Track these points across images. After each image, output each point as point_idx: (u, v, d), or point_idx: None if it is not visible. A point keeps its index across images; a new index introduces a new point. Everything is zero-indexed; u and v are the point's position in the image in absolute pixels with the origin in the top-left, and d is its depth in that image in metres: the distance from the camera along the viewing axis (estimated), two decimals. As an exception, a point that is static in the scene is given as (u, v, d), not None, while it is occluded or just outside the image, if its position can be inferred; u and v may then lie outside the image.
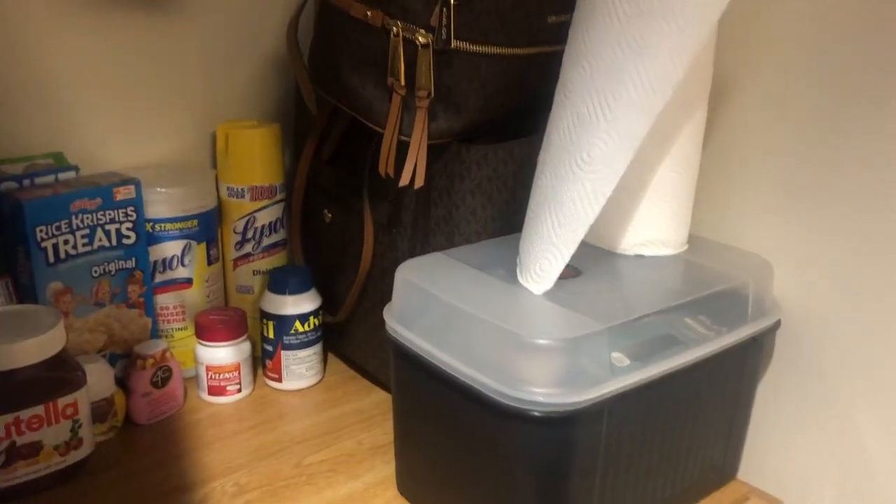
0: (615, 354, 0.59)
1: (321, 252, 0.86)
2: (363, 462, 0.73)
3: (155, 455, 0.73)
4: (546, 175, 0.62)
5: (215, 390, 0.81)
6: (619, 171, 0.58)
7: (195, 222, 0.82)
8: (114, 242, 0.75)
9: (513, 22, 0.64)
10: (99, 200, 0.74)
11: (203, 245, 0.83)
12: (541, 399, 0.54)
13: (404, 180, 0.64)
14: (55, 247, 0.71)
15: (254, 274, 0.88)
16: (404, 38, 0.62)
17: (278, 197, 0.87)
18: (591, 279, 0.64)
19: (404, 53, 0.63)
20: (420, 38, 0.62)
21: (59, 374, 0.67)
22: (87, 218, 0.73)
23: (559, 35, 0.64)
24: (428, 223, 0.71)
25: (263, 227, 0.87)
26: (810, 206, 0.67)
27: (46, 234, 0.71)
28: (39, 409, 0.66)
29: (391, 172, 0.65)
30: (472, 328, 0.57)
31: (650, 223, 0.68)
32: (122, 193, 0.75)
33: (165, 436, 0.76)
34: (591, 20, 0.58)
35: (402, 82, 0.63)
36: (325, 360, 0.89)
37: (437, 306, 0.60)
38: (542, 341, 0.54)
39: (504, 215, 0.71)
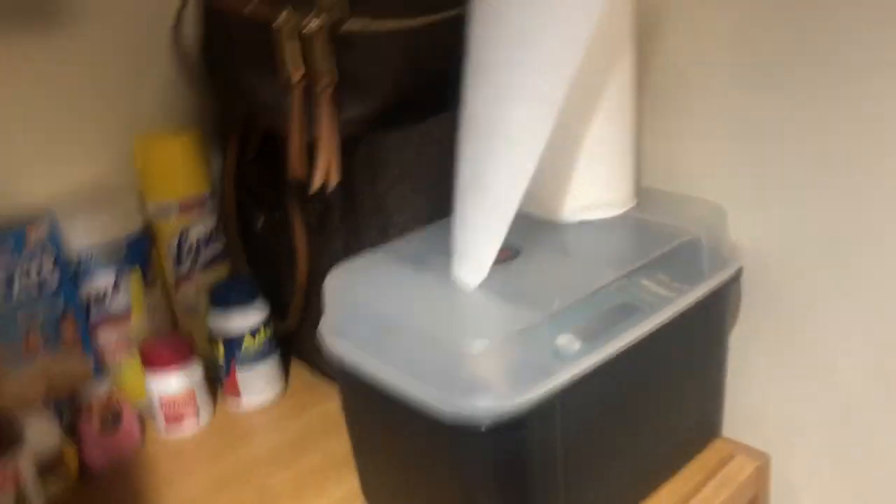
0: (563, 339, 0.55)
1: (260, 258, 0.82)
2: (329, 475, 0.69)
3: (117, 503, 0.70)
4: (466, 156, 0.57)
5: (172, 420, 0.78)
6: (541, 143, 0.53)
7: (123, 249, 0.77)
8: (36, 287, 0.71)
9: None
10: (10, 246, 0.69)
11: (137, 270, 0.78)
12: (482, 408, 0.50)
13: (317, 182, 0.59)
14: (-30, 303, 0.67)
15: (198, 292, 0.83)
16: (293, 27, 0.57)
17: (209, 207, 0.82)
18: (531, 258, 0.60)
19: (299, 42, 0.57)
20: (312, 22, 0.56)
21: (-10, 439, 0.63)
22: (2, 268, 0.68)
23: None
24: (358, 219, 0.67)
25: (198, 241, 0.82)
26: (759, 141, 0.62)
27: (-43, 291, 0.66)
28: (-25, 480, 0.62)
29: (302, 176, 0.61)
30: (404, 336, 0.53)
31: (589, 184, 0.63)
32: (37, 234, 0.70)
33: (123, 480, 0.73)
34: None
35: (298, 75, 0.58)
36: (286, 369, 0.85)
37: (368, 315, 0.56)
38: (472, 345, 0.50)
39: (438, 197, 0.66)
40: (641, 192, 0.67)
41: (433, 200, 0.65)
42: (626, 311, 0.58)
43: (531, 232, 0.63)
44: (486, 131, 0.55)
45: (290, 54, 0.57)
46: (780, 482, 0.70)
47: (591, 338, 0.55)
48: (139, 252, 0.79)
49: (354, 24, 0.57)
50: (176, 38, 0.65)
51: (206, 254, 0.83)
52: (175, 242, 0.81)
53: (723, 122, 0.64)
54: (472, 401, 0.50)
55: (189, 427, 0.78)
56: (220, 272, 0.85)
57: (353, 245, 0.68)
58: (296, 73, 0.58)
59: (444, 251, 0.60)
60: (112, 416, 0.74)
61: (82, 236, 0.75)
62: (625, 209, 0.65)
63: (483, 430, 0.50)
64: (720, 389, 0.68)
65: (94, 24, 0.79)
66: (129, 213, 0.79)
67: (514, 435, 0.51)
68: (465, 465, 0.53)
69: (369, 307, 0.56)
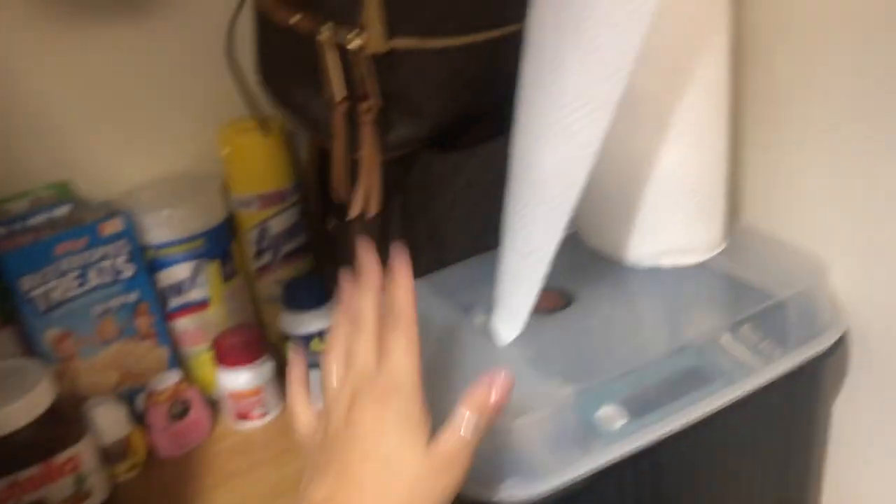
0: (604, 412, 0.48)
1: (336, 260, 0.79)
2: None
3: (174, 495, 0.71)
4: (508, 191, 0.51)
5: (241, 415, 0.78)
6: (578, 184, 0.46)
7: (201, 241, 0.77)
8: (110, 279, 0.72)
9: (463, 5, 0.52)
10: (85, 239, 0.70)
11: (215, 262, 0.78)
12: (497, 494, 0.45)
13: (355, 208, 0.55)
14: (45, 294, 0.69)
15: (278, 284, 0.82)
16: (336, 44, 0.52)
17: (290, 201, 0.80)
18: (585, 308, 0.53)
19: (342, 59, 0.53)
20: (352, 41, 0.52)
21: (51, 433, 0.65)
22: (75, 259, 0.70)
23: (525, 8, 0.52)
24: (414, 240, 0.62)
25: (279, 234, 0.81)
26: (877, 184, 0.51)
27: (33, 283, 0.68)
28: (35, 471, 0.64)
29: (344, 198, 0.57)
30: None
31: (666, 227, 0.55)
32: (110, 228, 0.71)
33: (188, 470, 0.74)
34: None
35: (341, 94, 0.53)
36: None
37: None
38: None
39: (496, 228, 0.60)
40: (734, 236, 0.57)
41: (491, 230, 0.59)
42: (693, 379, 0.51)
43: (593, 275, 0.56)
44: (522, 168, 0.48)
45: (334, 71, 0.53)
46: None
47: (641, 412, 0.48)
48: (219, 243, 0.78)
49: (399, 43, 0.51)
50: (228, 47, 0.62)
51: (287, 247, 0.82)
52: (256, 234, 0.80)
53: (835, 159, 0.53)
54: (485, 484, 0.45)
55: (257, 422, 0.78)
56: (302, 266, 0.83)
57: (412, 261, 0.63)
58: (339, 92, 0.53)
59: (491, 289, 0.54)
60: (181, 406, 0.75)
61: (163, 226, 0.75)
62: (707, 256, 0.56)
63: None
64: (812, 470, 0.59)
65: (182, 11, 0.78)
66: (211, 204, 0.78)
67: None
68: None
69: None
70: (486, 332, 0.51)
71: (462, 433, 0.40)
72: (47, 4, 0.74)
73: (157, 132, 0.81)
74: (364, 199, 0.54)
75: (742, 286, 0.54)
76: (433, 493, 0.39)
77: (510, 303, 0.50)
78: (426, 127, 0.55)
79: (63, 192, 0.77)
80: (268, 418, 0.78)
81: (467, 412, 0.40)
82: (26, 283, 0.68)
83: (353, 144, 0.55)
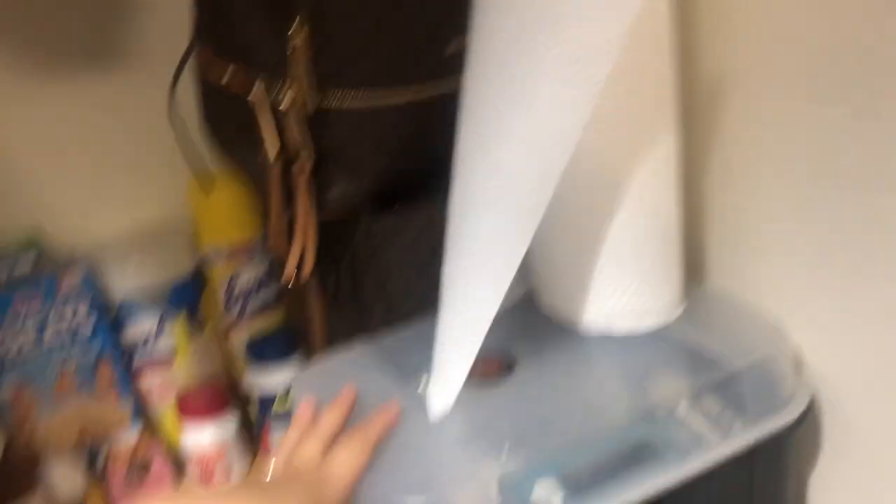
0: (542, 489, 0.45)
1: (302, 315, 0.77)
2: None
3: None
4: (448, 252, 0.48)
5: (203, 474, 0.76)
6: (520, 250, 0.43)
7: (168, 294, 0.76)
8: (69, 333, 0.71)
9: (397, 59, 0.50)
10: (42, 293, 0.69)
11: (181, 317, 0.77)
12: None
13: (289, 267, 0.53)
14: (3, 345, 0.68)
15: (247, 339, 0.80)
16: (269, 101, 0.51)
17: (259, 254, 0.79)
18: (527, 376, 0.50)
19: (273, 118, 0.51)
20: (283, 99, 0.50)
21: (2, 487, 0.64)
22: (33, 314, 0.69)
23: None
24: (363, 299, 0.60)
25: (248, 287, 0.79)
26: (843, 250, 0.48)
27: (-10, 337, 0.67)
28: (-20, 528, 0.63)
29: (282, 255, 0.55)
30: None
31: (618, 289, 0.52)
32: (70, 281, 0.70)
33: (145, 531, 0.72)
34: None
35: (274, 152, 0.52)
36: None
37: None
38: (401, 502, 0.42)
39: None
40: (692, 300, 0.54)
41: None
42: (643, 454, 0.47)
43: (540, 340, 0.53)
44: (461, 231, 0.46)
45: (266, 129, 0.51)
46: None
47: (581, 489, 0.45)
48: (186, 296, 0.77)
49: (332, 100, 0.50)
50: (171, 104, 0.61)
51: (256, 301, 0.80)
52: (225, 287, 0.79)
53: (798, 221, 0.50)
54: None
55: (220, 481, 0.76)
56: (273, 319, 0.81)
57: (363, 321, 0.61)
58: (272, 149, 0.52)
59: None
60: (140, 465, 0.73)
61: (129, 277, 0.74)
62: (663, 320, 0.53)
63: None
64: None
65: (152, 64, 0.77)
66: (177, 257, 0.77)
67: None
68: None
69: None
70: (423, 403, 0.49)
71: None
72: (17, 55, 0.74)
73: (127, 182, 0.81)
74: (298, 257, 0.52)
75: (699, 354, 0.50)
76: None
77: (445, 372, 0.47)
78: (366, 185, 0.54)
79: (32, 240, 0.76)
80: (232, 476, 0.76)
81: None
82: (-17, 337, 0.67)
83: (289, 202, 0.53)
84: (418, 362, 0.52)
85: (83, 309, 0.71)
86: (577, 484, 0.45)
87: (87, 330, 0.72)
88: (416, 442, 0.46)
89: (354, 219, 0.56)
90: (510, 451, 0.45)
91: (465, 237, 0.45)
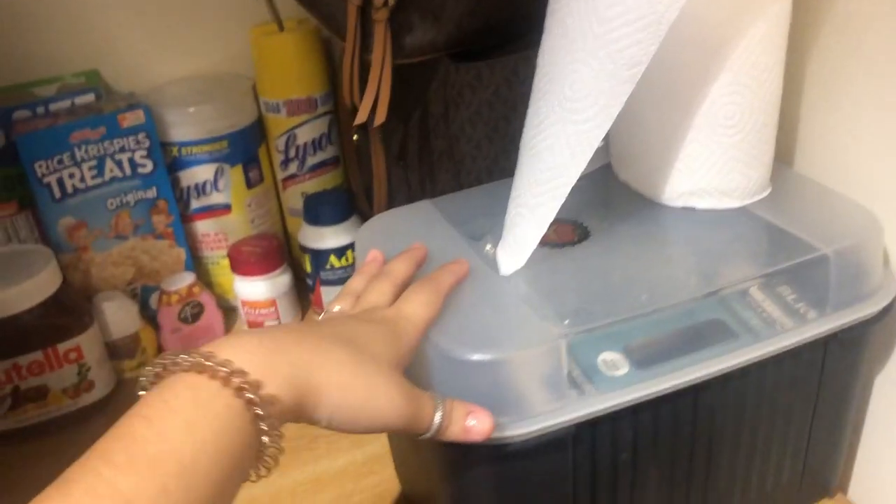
0: (606, 357, 0.44)
1: (363, 175, 0.76)
2: (376, 425, 0.64)
3: (176, 397, 0.70)
4: (531, 111, 0.46)
5: (254, 326, 0.76)
6: (613, 111, 0.41)
7: (225, 143, 0.74)
8: (127, 172, 0.70)
9: None
10: (102, 130, 0.68)
11: (238, 167, 0.76)
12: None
13: (360, 114, 0.51)
14: (59, 181, 0.68)
15: (302, 196, 0.79)
16: (353, -68, 0.47)
17: (320, 110, 0.77)
18: (601, 243, 0.48)
19: (357, -49, 0.48)
20: (370, -72, 0.47)
21: (54, 321, 0.65)
22: (92, 149, 0.68)
23: None
24: (432, 158, 0.58)
25: (306, 144, 0.77)
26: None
27: (47, 169, 0.67)
28: (38, 356, 0.64)
29: (352, 103, 0.52)
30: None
31: (705, 164, 0.49)
32: (130, 120, 0.69)
33: (194, 374, 0.73)
34: None
35: (354, -13, 0.49)
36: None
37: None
38: (471, 355, 0.41)
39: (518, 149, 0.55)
40: (780, 183, 0.51)
41: (512, 152, 0.55)
42: (713, 333, 0.46)
43: (617, 211, 0.51)
44: (550, 83, 0.43)
45: (348, -38, 0.48)
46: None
47: (648, 362, 0.44)
48: (245, 147, 0.76)
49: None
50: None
51: (315, 158, 0.78)
52: (283, 143, 0.77)
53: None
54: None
55: (269, 334, 0.76)
56: (329, 180, 0.80)
57: (428, 184, 0.59)
58: (350, -14, 0.49)
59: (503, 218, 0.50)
60: (193, 309, 0.73)
61: (187, 123, 0.73)
62: (748, 201, 0.50)
63: (480, 453, 0.42)
64: (840, 447, 0.53)
65: None
66: (238, 105, 0.76)
67: (518, 463, 0.43)
68: (462, 488, 0.46)
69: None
70: (492, 262, 0.47)
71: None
72: None
73: (189, 29, 0.78)
74: (370, 105, 0.50)
75: (783, 236, 0.48)
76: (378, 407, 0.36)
77: (518, 232, 0.45)
78: (446, 31, 0.50)
79: (91, 80, 0.75)
80: (280, 331, 0.76)
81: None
82: (40, 168, 0.66)
83: (365, 45, 0.50)
84: (487, 223, 0.50)
85: (142, 149, 0.70)
86: (642, 355, 0.44)
87: (145, 170, 0.71)
88: (484, 300, 0.45)
89: (431, 68, 0.53)
90: (578, 317, 0.43)
91: (557, 87, 0.42)
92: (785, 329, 0.46)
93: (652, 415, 0.44)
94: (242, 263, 0.74)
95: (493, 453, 0.41)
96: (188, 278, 0.74)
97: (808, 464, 0.52)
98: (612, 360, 0.44)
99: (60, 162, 0.67)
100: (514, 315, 0.44)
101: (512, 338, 0.42)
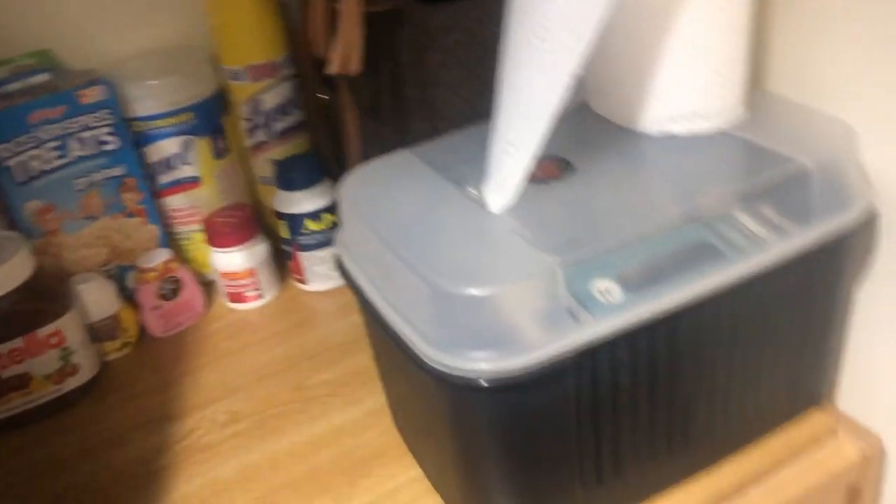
0: (601, 285, 0.44)
1: (333, 136, 0.75)
2: (368, 382, 0.64)
3: (162, 374, 0.69)
4: (506, 47, 0.45)
5: (234, 298, 0.75)
6: (585, 40, 0.41)
7: (191, 115, 0.73)
8: (92, 151, 0.69)
9: None
10: (63, 108, 0.66)
11: (206, 139, 0.74)
12: (477, 364, 0.41)
13: (333, 66, 0.50)
14: (22, 164, 0.66)
15: (272, 163, 0.78)
16: None
17: (284, 73, 0.75)
18: (586, 176, 0.49)
19: None
20: None
21: (32, 306, 0.63)
22: (54, 129, 0.66)
23: None
24: (406, 107, 0.57)
25: (272, 110, 0.76)
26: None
27: (7, 152, 0.65)
28: (18, 343, 0.63)
29: (321, 51, 0.52)
30: (405, 269, 0.45)
31: (679, 89, 0.50)
32: (90, 96, 0.67)
33: (179, 350, 0.72)
34: None
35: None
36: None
37: (373, 235, 0.48)
38: (466, 289, 0.41)
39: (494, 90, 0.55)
40: (755, 103, 0.52)
41: (488, 95, 0.54)
42: (702, 254, 0.46)
43: (597, 143, 0.51)
44: (523, 15, 0.43)
45: None
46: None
47: (640, 286, 0.44)
48: (209, 118, 0.74)
49: None
50: None
51: (281, 124, 0.77)
52: (248, 109, 0.76)
53: (874, 27, 0.47)
54: (465, 354, 0.42)
55: (251, 304, 0.76)
56: (298, 145, 0.79)
57: (403, 136, 0.59)
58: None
59: (486, 160, 0.50)
60: (171, 285, 0.72)
61: (149, 97, 0.71)
62: (725, 123, 0.51)
63: (477, 387, 0.42)
64: (828, 354, 0.55)
65: None
66: (200, 76, 0.74)
67: (514, 397, 0.43)
68: (460, 422, 0.46)
69: (376, 225, 0.48)
70: (478, 202, 0.47)
71: None
72: None
73: (140, 3, 0.76)
74: (344, 54, 0.49)
75: (763, 153, 0.48)
76: None
77: (503, 169, 0.45)
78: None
79: (44, 60, 0.72)
80: (262, 301, 0.76)
81: None
82: (1, 151, 0.64)
83: (332, -8, 0.49)
84: (469, 167, 0.50)
85: (106, 126, 0.68)
86: (635, 280, 0.44)
87: (110, 148, 0.69)
88: (476, 237, 0.45)
89: (401, 14, 0.52)
90: (571, 247, 0.43)
91: (527, 24, 0.42)
92: (769, 246, 0.46)
93: (649, 338, 0.45)
94: (218, 235, 0.73)
95: (493, 388, 0.42)
96: (164, 254, 0.73)
97: (798, 375, 0.54)
98: (606, 288, 0.44)
99: (21, 144, 0.65)
100: (507, 248, 0.44)
101: (507, 270, 0.42)
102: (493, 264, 0.43)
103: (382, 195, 0.50)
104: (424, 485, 0.54)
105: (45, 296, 0.64)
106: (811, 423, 0.56)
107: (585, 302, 0.43)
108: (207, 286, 0.78)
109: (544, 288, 0.42)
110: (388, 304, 0.46)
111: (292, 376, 0.67)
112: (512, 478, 0.47)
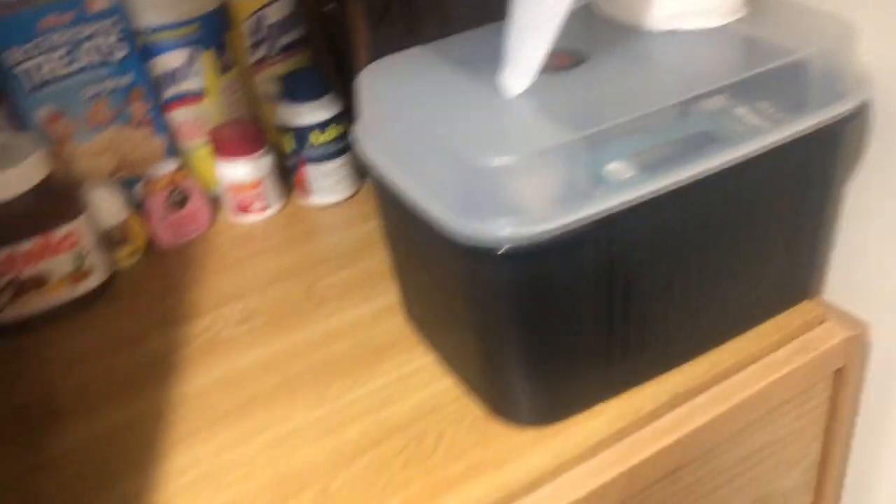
0: (613, 166, 0.47)
1: (337, 47, 0.76)
2: (379, 284, 0.66)
3: (173, 280, 0.71)
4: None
5: (241, 208, 0.77)
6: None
7: (197, 26, 0.74)
8: (100, 59, 0.69)
9: None
10: (71, 14, 0.67)
11: (210, 51, 0.75)
12: (499, 231, 0.44)
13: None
14: (33, 70, 0.66)
15: (275, 80, 0.79)
16: None
17: (287, -13, 0.76)
18: (596, 67, 0.51)
19: None
20: None
21: (47, 207, 0.64)
22: (63, 35, 0.67)
23: None
24: (418, 11, 0.59)
25: (275, 24, 0.77)
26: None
27: (18, 57, 0.65)
28: (35, 243, 0.64)
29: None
30: (428, 145, 0.47)
31: (686, -15, 0.52)
32: (99, 3, 0.68)
33: (188, 259, 0.74)
34: None
35: None
36: (362, 172, 0.82)
37: (396, 119, 0.50)
38: (495, 159, 0.43)
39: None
40: (753, 1, 0.54)
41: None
42: (706, 139, 0.49)
43: (605, 38, 0.54)
44: None
45: None
46: (882, 359, 0.61)
47: (650, 167, 0.47)
48: (214, 31, 0.75)
49: None
50: None
51: (284, 39, 0.78)
52: (251, 25, 0.77)
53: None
54: (488, 222, 0.44)
55: (256, 216, 0.77)
56: (300, 61, 0.80)
57: (413, 36, 0.61)
58: None
59: (498, 56, 0.52)
60: (179, 195, 0.74)
61: (155, 8, 0.72)
62: (726, 20, 0.53)
63: (499, 255, 0.44)
64: (819, 245, 0.58)
65: None
66: (203, -10, 0.75)
67: (533, 264, 0.45)
68: (481, 293, 0.48)
69: (399, 110, 0.50)
70: (494, 89, 0.49)
71: None
72: None
73: None
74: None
75: (762, 48, 0.51)
76: None
77: (519, 56, 0.47)
78: None
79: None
80: (269, 212, 0.78)
81: None
82: (11, 56, 0.65)
83: None
84: (484, 59, 0.52)
85: (114, 34, 0.69)
86: (644, 161, 0.47)
87: (118, 56, 0.70)
88: (496, 116, 0.47)
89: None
90: (585, 125, 0.45)
91: None
92: (768, 132, 0.49)
93: (656, 213, 0.47)
94: (226, 145, 0.74)
95: (514, 255, 0.44)
96: (171, 165, 0.74)
97: (792, 265, 0.57)
98: (618, 169, 0.47)
99: (30, 50, 0.66)
100: (527, 124, 0.46)
101: (529, 143, 0.44)
102: (515, 137, 0.45)
103: (402, 83, 0.52)
104: (440, 368, 0.57)
105: (59, 198, 0.66)
106: (802, 312, 0.59)
107: (599, 177, 0.46)
108: (213, 201, 0.79)
109: (563, 161, 0.44)
110: (411, 183, 0.48)
111: (304, 279, 0.69)
112: (527, 352, 0.50)
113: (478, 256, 0.45)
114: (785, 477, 0.63)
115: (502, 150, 0.44)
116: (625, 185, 0.46)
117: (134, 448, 0.54)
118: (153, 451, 0.54)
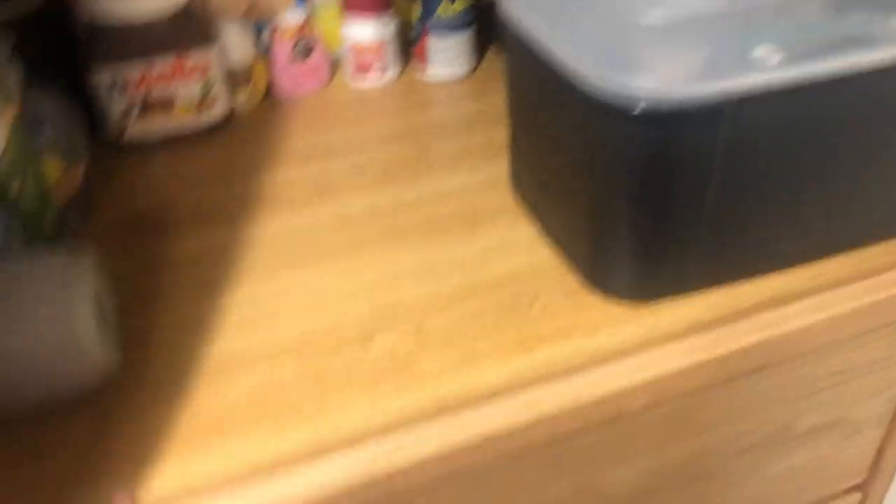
0: (761, 49, 0.46)
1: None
2: (487, 159, 0.67)
3: (288, 127, 0.73)
4: None
5: (359, 68, 0.78)
6: None
7: None
8: None
9: None
10: None
11: None
12: (639, 88, 0.44)
13: None
14: None
15: (411, -54, 0.79)
16: None
17: None
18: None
19: None
20: None
21: (183, 32, 0.67)
22: None
23: None
24: None
25: None
26: None
27: None
28: (169, 61, 0.66)
29: None
30: (580, 2, 0.47)
31: None
32: None
33: (303, 110, 0.75)
34: None
35: None
36: (481, 49, 0.82)
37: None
38: (646, 15, 0.43)
39: None
40: None
41: None
42: (853, 44, 0.48)
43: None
44: None
45: None
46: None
47: (796, 58, 0.46)
48: None
49: None
50: None
51: None
52: None
53: None
54: (630, 79, 0.44)
55: (374, 79, 0.79)
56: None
57: None
58: None
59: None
60: (304, 46, 0.75)
61: None
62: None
63: (634, 114, 0.45)
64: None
65: None
66: None
67: (667, 130, 0.45)
68: (607, 156, 0.49)
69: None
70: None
71: None
72: None
73: None
74: None
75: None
76: None
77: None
78: None
79: None
80: (386, 77, 0.79)
81: None
82: None
83: None
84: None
85: None
86: (793, 52, 0.46)
87: None
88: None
89: None
90: (738, 3, 0.45)
91: None
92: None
93: (795, 105, 0.47)
94: (354, 2, 0.75)
95: (646, 118, 0.44)
96: (300, 15, 0.75)
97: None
98: (766, 52, 0.46)
99: None
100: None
101: (683, 5, 0.44)
102: (671, 6, 0.45)
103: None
104: (541, 241, 0.58)
105: (195, 27, 0.67)
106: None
107: (746, 57, 0.45)
108: (333, 65, 0.80)
109: (713, 31, 0.44)
110: (556, 39, 0.48)
111: (415, 142, 0.70)
112: (637, 224, 0.50)
113: (613, 114, 0.45)
114: (864, 404, 0.63)
115: (657, 7, 0.43)
116: (769, 69, 0.45)
117: (242, 264, 0.57)
118: (260, 270, 0.57)
